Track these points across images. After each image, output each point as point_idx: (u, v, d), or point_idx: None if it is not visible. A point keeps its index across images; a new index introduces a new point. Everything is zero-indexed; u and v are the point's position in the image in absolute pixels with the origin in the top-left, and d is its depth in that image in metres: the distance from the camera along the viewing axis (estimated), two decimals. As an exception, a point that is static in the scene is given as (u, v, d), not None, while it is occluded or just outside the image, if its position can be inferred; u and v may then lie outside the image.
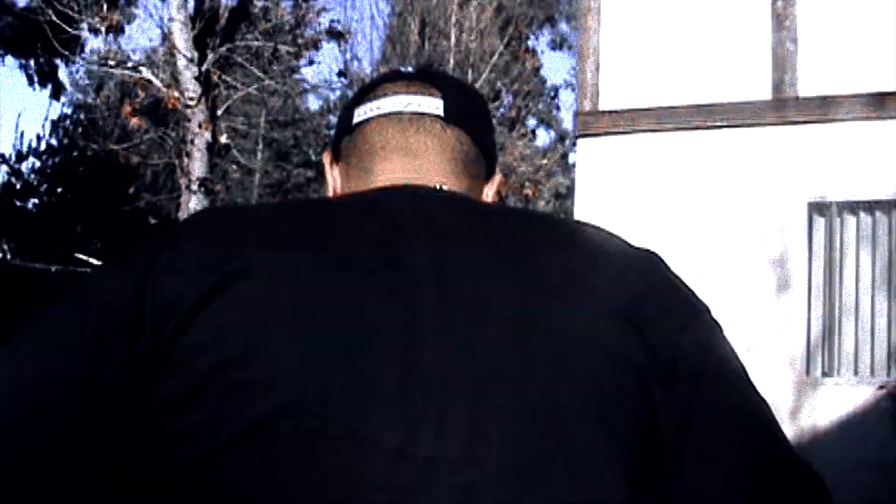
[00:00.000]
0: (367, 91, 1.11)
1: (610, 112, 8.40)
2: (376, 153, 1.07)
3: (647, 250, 0.99)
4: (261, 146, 23.56)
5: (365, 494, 0.79)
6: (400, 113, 1.07)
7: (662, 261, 0.98)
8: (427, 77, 1.11)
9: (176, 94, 9.66)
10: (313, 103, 24.06)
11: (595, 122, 8.43)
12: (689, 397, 0.88)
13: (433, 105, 1.07)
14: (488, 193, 1.12)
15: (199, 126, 9.71)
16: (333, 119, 19.56)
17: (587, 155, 8.55)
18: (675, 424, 0.87)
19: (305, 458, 0.80)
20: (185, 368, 0.82)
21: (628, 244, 0.98)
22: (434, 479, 0.80)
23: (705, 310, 0.96)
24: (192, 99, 9.65)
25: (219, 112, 10.69)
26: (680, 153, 8.19)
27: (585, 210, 8.30)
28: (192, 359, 0.82)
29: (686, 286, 0.97)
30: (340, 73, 16.74)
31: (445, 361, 0.84)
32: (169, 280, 0.85)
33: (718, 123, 8.11)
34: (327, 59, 41.00)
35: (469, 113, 1.10)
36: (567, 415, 0.84)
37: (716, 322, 0.96)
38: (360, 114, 1.09)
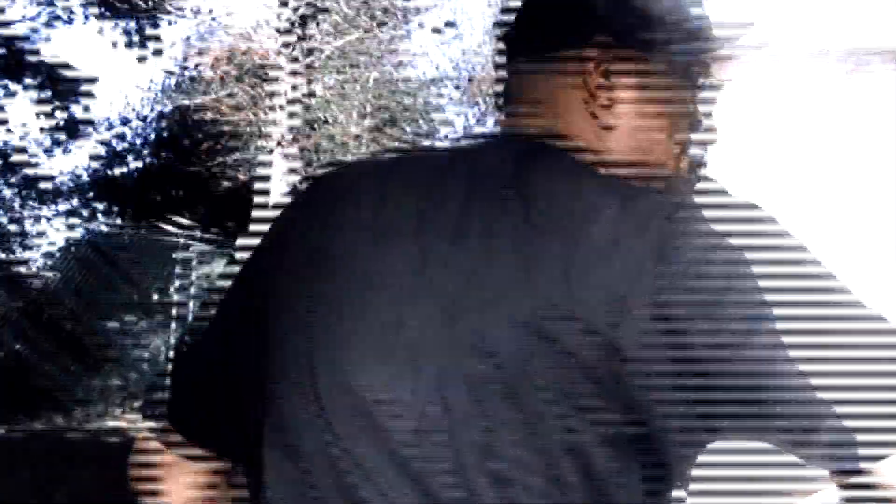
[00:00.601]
0: None
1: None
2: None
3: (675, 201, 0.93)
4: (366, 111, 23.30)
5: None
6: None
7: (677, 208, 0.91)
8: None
9: (261, 44, 9.17)
10: (425, 66, 23.52)
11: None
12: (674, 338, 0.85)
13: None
14: (590, 73, 1.02)
15: (290, 77, 9.23)
16: (439, 91, 18.98)
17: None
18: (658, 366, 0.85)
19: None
20: None
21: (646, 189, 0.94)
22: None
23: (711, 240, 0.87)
24: (285, 45, 9.13)
25: (315, 63, 10.20)
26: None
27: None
28: None
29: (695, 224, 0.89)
30: (449, 24, 16.20)
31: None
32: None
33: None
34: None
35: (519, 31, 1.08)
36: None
37: (728, 255, 0.86)
38: None
